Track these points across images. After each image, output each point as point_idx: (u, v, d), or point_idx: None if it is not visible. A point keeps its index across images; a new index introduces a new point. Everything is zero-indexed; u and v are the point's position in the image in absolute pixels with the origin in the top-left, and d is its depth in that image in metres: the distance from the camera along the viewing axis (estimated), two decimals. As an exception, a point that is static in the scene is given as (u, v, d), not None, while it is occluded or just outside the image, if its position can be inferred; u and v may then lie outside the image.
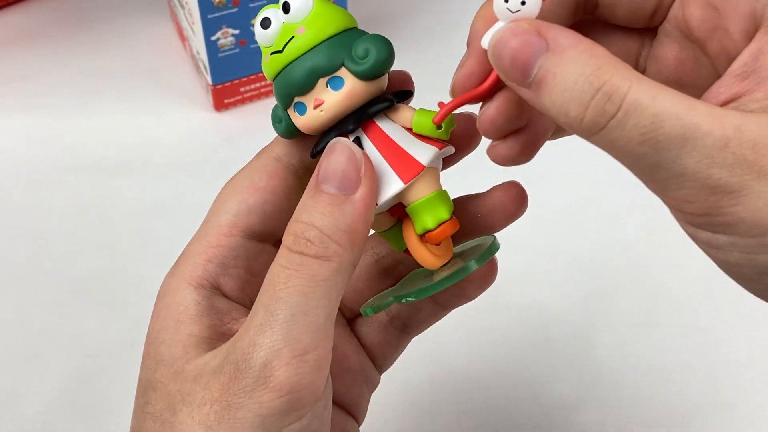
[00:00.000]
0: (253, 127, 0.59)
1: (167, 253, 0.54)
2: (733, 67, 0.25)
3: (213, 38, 0.56)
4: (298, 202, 0.29)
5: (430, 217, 0.28)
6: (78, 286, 0.51)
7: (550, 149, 0.32)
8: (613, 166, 0.27)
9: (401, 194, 0.28)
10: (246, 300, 0.30)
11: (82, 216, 0.54)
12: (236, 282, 0.29)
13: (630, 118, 0.23)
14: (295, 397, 0.25)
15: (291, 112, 0.29)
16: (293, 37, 0.27)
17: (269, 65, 0.28)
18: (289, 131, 0.29)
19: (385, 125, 0.29)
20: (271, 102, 0.61)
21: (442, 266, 0.30)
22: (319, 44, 0.27)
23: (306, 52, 0.27)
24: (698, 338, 0.48)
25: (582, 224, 0.48)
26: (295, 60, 0.28)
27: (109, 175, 0.57)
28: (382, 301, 0.32)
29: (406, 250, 0.31)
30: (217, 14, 0.54)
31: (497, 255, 0.31)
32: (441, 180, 0.30)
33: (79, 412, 0.45)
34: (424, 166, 0.28)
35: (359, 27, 0.29)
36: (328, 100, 0.28)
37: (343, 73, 0.28)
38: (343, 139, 0.27)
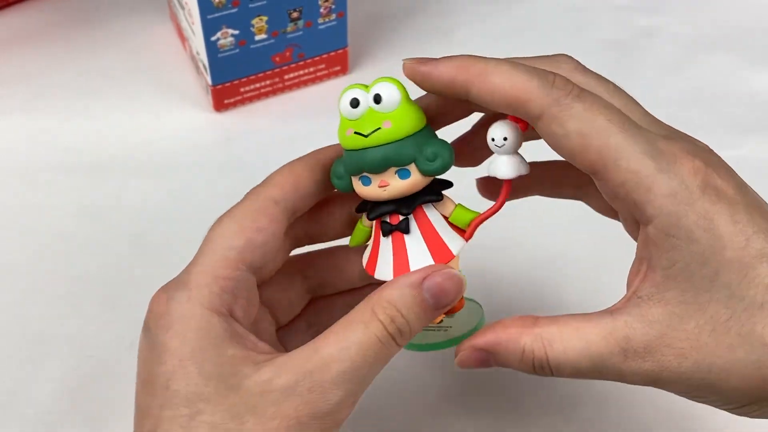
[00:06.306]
0: (252, 128, 0.59)
1: (167, 253, 0.54)
2: (636, 252, 0.31)
3: (213, 38, 0.56)
4: (283, 242, 0.35)
5: None
6: (78, 286, 0.51)
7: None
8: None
9: None
10: (247, 323, 0.34)
11: (82, 216, 0.55)
12: (242, 309, 0.34)
13: (561, 370, 0.31)
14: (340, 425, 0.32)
15: (355, 179, 0.34)
16: (379, 128, 0.32)
17: (350, 140, 0.33)
18: (347, 190, 0.34)
19: (429, 211, 0.34)
20: (271, 102, 0.62)
21: None
22: (399, 140, 0.32)
23: (387, 144, 0.32)
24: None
25: (583, 227, 0.49)
26: (375, 146, 0.32)
27: (109, 175, 0.57)
28: None
29: None
30: (217, 14, 0.54)
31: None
32: None
33: (79, 412, 0.46)
34: (455, 256, 0.33)
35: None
36: (393, 185, 0.33)
37: (411, 167, 0.33)
38: (459, 275, 0.32)
